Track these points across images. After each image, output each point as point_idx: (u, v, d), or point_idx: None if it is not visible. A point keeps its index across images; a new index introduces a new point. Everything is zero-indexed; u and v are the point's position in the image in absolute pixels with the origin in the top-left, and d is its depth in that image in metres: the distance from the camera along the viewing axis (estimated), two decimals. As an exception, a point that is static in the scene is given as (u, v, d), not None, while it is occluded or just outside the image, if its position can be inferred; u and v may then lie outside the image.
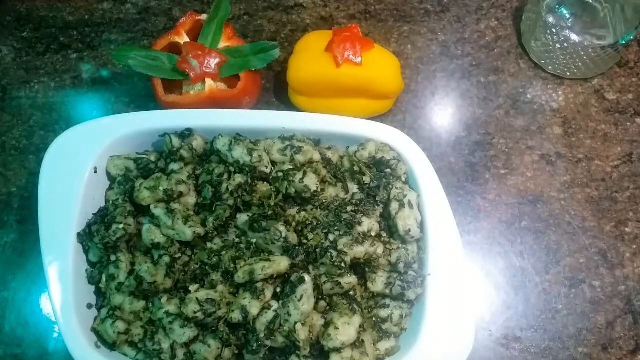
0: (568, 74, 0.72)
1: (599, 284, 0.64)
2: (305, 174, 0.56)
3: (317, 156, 0.59)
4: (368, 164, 0.59)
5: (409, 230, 0.55)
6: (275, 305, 0.53)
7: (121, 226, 0.55)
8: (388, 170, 0.59)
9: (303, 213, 0.56)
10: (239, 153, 0.57)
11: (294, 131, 0.60)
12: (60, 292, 0.53)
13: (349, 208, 0.57)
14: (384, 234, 0.58)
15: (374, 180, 0.58)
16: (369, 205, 0.58)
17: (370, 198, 0.58)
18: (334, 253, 0.53)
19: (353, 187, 0.59)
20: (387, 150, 0.59)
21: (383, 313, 0.55)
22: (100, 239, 0.55)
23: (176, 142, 0.58)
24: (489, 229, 0.66)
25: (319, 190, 0.57)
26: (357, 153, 0.59)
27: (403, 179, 0.59)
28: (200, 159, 0.60)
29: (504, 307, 0.64)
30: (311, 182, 0.56)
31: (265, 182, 0.58)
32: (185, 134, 0.58)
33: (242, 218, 0.55)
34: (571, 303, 0.64)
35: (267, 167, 0.57)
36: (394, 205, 0.56)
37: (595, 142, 0.70)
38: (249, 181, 0.56)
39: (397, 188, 0.57)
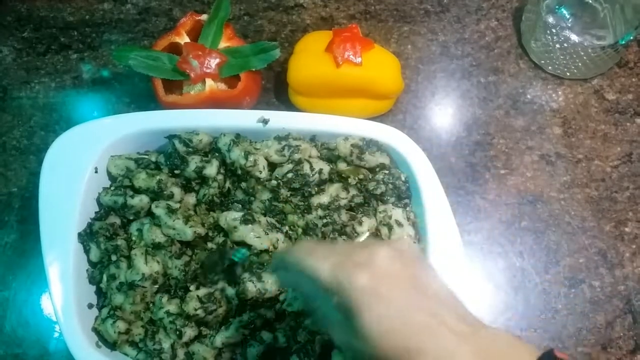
0: (568, 74, 0.72)
1: (599, 284, 0.64)
2: (311, 163, 0.57)
3: (314, 152, 0.59)
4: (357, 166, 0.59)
5: None
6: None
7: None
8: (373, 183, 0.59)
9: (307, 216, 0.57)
10: (236, 155, 0.57)
11: (295, 131, 0.60)
12: (61, 292, 0.53)
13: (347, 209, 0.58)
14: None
15: (358, 195, 0.58)
16: (367, 207, 0.58)
17: (369, 198, 0.59)
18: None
19: (352, 190, 0.59)
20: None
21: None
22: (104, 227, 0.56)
23: (180, 148, 0.59)
24: (489, 229, 0.67)
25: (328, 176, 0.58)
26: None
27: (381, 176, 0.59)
28: (205, 154, 0.60)
29: (504, 307, 0.64)
30: (324, 167, 0.57)
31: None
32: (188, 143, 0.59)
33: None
34: (571, 303, 0.64)
35: (261, 171, 0.57)
36: (384, 231, 0.56)
37: (595, 142, 0.70)
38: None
39: (380, 212, 0.57)
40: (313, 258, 0.38)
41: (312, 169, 0.57)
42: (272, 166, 0.59)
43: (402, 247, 0.38)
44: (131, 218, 0.58)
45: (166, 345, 0.54)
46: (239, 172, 0.58)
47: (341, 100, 0.66)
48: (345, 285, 0.35)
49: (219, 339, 0.53)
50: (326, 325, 0.39)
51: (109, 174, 0.60)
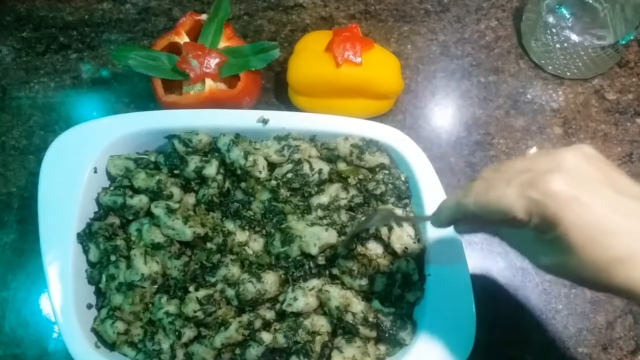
0: (568, 74, 0.72)
1: (599, 284, 0.64)
2: (310, 163, 0.57)
3: (314, 152, 0.59)
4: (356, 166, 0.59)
5: (406, 248, 0.55)
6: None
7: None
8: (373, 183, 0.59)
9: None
10: (236, 155, 0.57)
11: (294, 131, 0.60)
12: (60, 292, 0.53)
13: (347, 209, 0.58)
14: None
15: (358, 195, 0.58)
16: (367, 207, 0.58)
17: (369, 198, 0.58)
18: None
19: (352, 190, 0.59)
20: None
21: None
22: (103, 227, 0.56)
23: (180, 147, 0.58)
24: (489, 229, 0.66)
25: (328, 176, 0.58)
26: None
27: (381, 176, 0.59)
28: (204, 154, 0.60)
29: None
30: (324, 167, 0.57)
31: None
32: (188, 143, 0.58)
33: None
34: (571, 303, 0.63)
35: (261, 171, 0.57)
36: (384, 231, 0.56)
37: (596, 142, 0.70)
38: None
39: None
40: (494, 192, 0.35)
41: (311, 169, 0.57)
42: (271, 166, 0.59)
43: (587, 150, 0.35)
44: (130, 218, 0.58)
45: (165, 345, 0.53)
46: (239, 172, 0.57)
47: (341, 100, 0.66)
48: (539, 199, 0.32)
49: (219, 339, 0.53)
50: (522, 250, 0.37)
51: (108, 174, 0.59)
